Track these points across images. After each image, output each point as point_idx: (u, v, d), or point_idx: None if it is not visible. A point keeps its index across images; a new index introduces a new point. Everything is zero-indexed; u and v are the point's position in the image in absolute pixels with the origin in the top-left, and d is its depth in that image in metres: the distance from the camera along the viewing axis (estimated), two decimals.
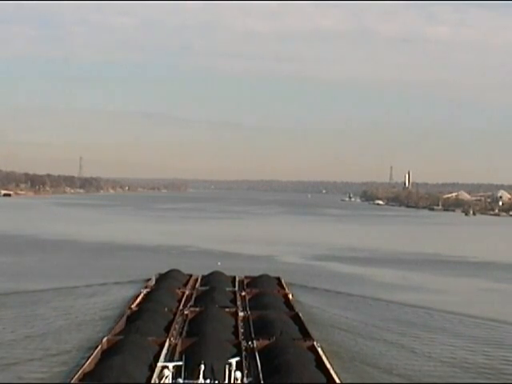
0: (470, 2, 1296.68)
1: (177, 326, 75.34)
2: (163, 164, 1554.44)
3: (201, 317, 77.65)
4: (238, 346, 65.44)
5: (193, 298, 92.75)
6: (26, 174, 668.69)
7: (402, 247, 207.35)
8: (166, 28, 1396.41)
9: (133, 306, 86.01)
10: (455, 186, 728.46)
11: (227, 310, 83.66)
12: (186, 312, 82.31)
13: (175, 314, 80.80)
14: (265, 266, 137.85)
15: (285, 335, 70.55)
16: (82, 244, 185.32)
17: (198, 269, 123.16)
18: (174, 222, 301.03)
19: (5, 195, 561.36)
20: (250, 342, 66.92)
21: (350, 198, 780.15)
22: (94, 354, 61.32)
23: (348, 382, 59.32)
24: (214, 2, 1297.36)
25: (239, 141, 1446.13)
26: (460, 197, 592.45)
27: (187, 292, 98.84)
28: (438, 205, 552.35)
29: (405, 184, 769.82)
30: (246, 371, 55.87)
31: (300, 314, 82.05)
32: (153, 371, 56.04)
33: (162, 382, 50.06)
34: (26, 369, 62.30)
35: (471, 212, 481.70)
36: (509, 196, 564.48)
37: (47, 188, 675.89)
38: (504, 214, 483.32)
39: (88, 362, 58.74)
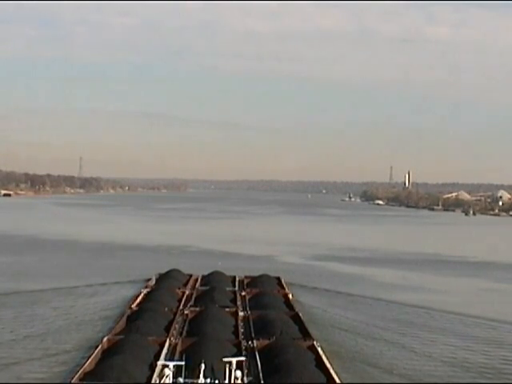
0: (469, 2, 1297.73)
1: (177, 326, 75.40)
2: (163, 164, 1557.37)
3: (201, 316, 77.69)
4: (238, 345, 65.51)
5: (193, 298, 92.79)
6: (26, 174, 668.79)
7: (402, 247, 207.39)
8: (166, 28, 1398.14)
9: (133, 306, 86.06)
10: (455, 186, 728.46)
11: (227, 309, 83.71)
12: (186, 312, 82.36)
13: (175, 314, 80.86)
14: (265, 265, 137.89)
15: (285, 335, 70.62)
16: (82, 244, 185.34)
17: (198, 269, 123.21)
18: (174, 222, 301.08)
19: (5, 195, 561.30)
20: (250, 342, 66.98)
21: (349, 197, 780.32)
22: (94, 354, 61.39)
23: (348, 381, 59.38)
24: (214, 2, 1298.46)
25: (239, 141, 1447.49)
26: (460, 197, 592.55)
27: (187, 292, 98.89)
28: (438, 205, 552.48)
29: (405, 184, 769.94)
30: (246, 371, 55.94)
31: (300, 314, 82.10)
32: (153, 371, 56.11)
33: (162, 381, 50.14)
34: (26, 369, 62.31)
35: (471, 212, 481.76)
36: (509, 196, 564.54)
37: (47, 188, 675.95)
38: (504, 214, 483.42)
39: (88, 362, 58.81)
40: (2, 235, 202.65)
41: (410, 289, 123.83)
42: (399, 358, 70.49)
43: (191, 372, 50.58)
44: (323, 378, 57.03)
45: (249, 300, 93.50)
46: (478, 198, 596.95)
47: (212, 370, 52.06)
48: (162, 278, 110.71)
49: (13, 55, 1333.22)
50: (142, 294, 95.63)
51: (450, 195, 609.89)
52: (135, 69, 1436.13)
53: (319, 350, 65.30)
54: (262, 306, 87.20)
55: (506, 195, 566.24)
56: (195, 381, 49.52)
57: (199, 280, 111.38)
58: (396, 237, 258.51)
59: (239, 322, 78.21)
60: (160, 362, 55.96)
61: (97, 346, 64.32)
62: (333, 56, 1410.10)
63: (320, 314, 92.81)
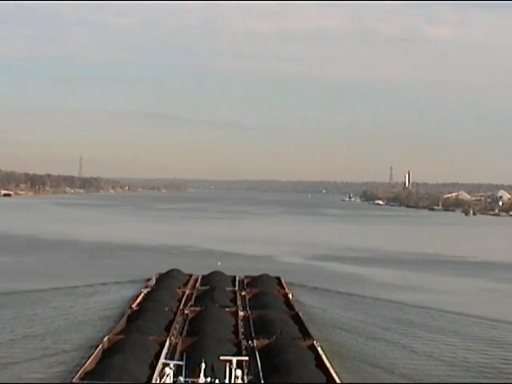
0: (469, 2, 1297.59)
1: (177, 326, 75.52)
2: (163, 164, 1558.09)
3: (201, 316, 77.79)
4: (238, 345, 65.62)
5: (193, 298, 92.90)
6: (26, 174, 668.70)
7: (402, 247, 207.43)
8: (166, 28, 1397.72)
9: (133, 306, 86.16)
10: (455, 186, 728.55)
11: (227, 309, 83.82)
12: (186, 311, 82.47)
13: (175, 314, 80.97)
14: (265, 265, 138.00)
15: (285, 334, 70.74)
16: (82, 244, 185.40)
17: (198, 268, 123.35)
18: (174, 222, 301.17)
19: (5, 195, 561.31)
20: (250, 342, 67.09)
21: (350, 197, 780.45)
22: (95, 353, 61.49)
23: (348, 381, 59.44)
24: (214, 2, 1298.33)
25: (239, 141, 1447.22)
26: (460, 197, 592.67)
27: (187, 292, 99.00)
28: (438, 205, 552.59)
29: (405, 184, 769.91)
30: (246, 370, 56.02)
31: (300, 314, 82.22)
32: (154, 370, 56.22)
33: (163, 380, 50.24)
34: (26, 368, 62.35)
35: (471, 212, 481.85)
36: (509, 196, 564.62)
37: (47, 188, 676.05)
38: (504, 214, 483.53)
39: (89, 361, 58.90)
40: (2, 235, 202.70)
41: (410, 289, 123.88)
42: (399, 358, 70.58)
43: (191, 371, 50.73)
44: (323, 378, 57.13)
45: (249, 300, 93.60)
46: (478, 197, 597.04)
47: (212, 369, 52.18)
48: (162, 278, 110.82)
49: (13, 55, 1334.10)
50: (143, 294, 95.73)
51: (450, 195, 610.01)
52: (135, 69, 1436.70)
53: (319, 349, 65.39)
54: (262, 305, 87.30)
55: (506, 195, 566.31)
56: (195, 380, 49.66)
57: (199, 280, 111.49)
58: (396, 237, 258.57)
59: (239, 321, 78.30)
60: (161, 362, 56.10)
61: (97, 346, 64.42)
62: (333, 56, 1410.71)
63: (320, 313, 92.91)
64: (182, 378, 49.78)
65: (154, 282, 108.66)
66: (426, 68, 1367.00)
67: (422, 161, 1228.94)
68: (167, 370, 50.08)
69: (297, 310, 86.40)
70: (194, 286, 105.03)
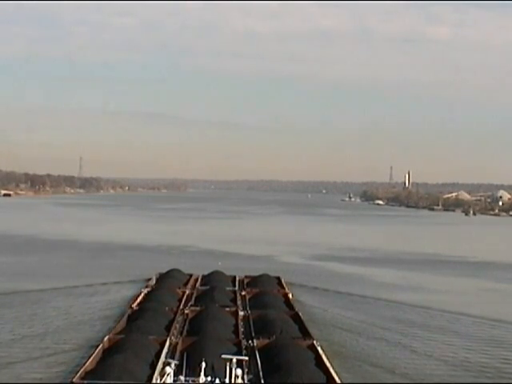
0: (469, 2, 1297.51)
1: (177, 325, 75.62)
2: (163, 164, 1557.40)
3: (201, 316, 77.88)
4: (238, 344, 65.71)
5: (193, 298, 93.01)
6: (26, 174, 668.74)
7: (402, 247, 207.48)
8: (166, 28, 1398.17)
9: (134, 306, 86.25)
10: (455, 186, 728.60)
11: (227, 309, 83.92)
12: (186, 311, 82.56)
13: (176, 314, 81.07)
14: (265, 265, 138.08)
15: (285, 334, 70.83)
16: (82, 244, 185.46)
17: (199, 268, 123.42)
18: (174, 222, 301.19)
19: (5, 195, 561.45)
20: (250, 341, 67.19)
21: (349, 198, 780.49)
22: (95, 353, 61.60)
23: (348, 381, 59.50)
24: (214, 2, 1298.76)
25: (239, 141, 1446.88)
26: (460, 197, 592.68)
27: (188, 291, 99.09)
28: (438, 205, 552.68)
29: (405, 184, 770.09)
30: (246, 370, 56.11)
31: (300, 314, 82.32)
32: (154, 370, 56.33)
33: (163, 379, 50.36)
34: (26, 368, 62.40)
35: (471, 212, 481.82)
36: (509, 196, 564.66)
37: (47, 188, 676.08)
38: (504, 214, 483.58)
39: (90, 361, 59.01)
40: (2, 235, 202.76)
41: (410, 289, 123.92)
42: (400, 358, 70.64)
43: (192, 370, 50.85)
44: (323, 377, 57.21)
45: (249, 300, 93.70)
46: (478, 197, 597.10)
47: (212, 368, 52.33)
48: (163, 278, 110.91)
49: (13, 55, 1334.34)
50: (143, 294, 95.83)
51: (450, 195, 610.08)
52: (135, 69, 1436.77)
53: (319, 349, 65.49)
54: (262, 305, 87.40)
55: (506, 195, 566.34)
56: (196, 379, 49.79)
57: (199, 280, 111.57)
58: (396, 237, 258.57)
59: (239, 321, 78.40)
60: (161, 361, 56.21)
61: (98, 346, 64.52)
62: (333, 56, 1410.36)
63: (320, 313, 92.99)
64: (182, 377, 49.92)
65: (155, 281, 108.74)
66: (426, 68, 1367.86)
67: (421, 161, 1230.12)
68: (168, 369, 50.20)
69: (297, 309, 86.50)
70: (194, 286, 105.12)
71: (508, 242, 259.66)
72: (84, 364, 58.50)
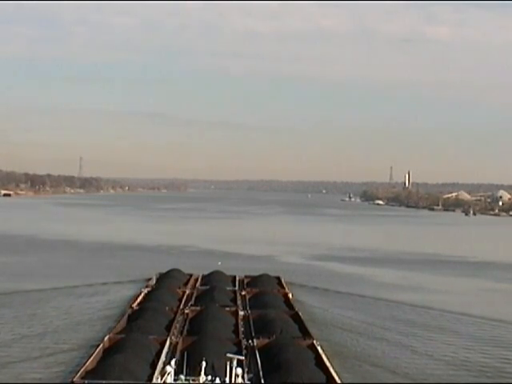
0: (469, 2, 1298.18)
1: (177, 325, 75.69)
2: (163, 164, 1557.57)
3: (201, 316, 77.95)
4: (238, 344, 65.77)
5: (193, 298, 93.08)
6: (26, 174, 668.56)
7: (402, 247, 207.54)
8: (166, 28, 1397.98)
9: (134, 305, 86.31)
10: (455, 186, 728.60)
11: (227, 309, 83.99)
12: (186, 311, 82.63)
13: (176, 313, 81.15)
14: (265, 265, 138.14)
15: (285, 334, 70.91)
16: (82, 244, 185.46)
17: (199, 268, 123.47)
18: (174, 222, 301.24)
19: (5, 195, 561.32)
20: (250, 341, 67.25)
21: (349, 198, 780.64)
22: (95, 353, 61.65)
23: (348, 381, 59.55)
24: (214, 2, 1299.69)
25: (239, 141, 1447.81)
26: (460, 197, 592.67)
27: (188, 291, 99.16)
28: (438, 205, 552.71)
29: (405, 184, 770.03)
30: (246, 369, 56.18)
31: (300, 313, 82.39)
32: (154, 369, 56.42)
33: (164, 378, 50.46)
34: (26, 368, 62.41)
35: (471, 212, 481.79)
36: (509, 196, 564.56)
37: (47, 188, 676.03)
38: (504, 214, 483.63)
39: (90, 361, 59.05)
40: (2, 235, 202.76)
41: (410, 289, 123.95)
42: (400, 358, 70.67)
43: (192, 370, 50.96)
44: (323, 377, 57.28)
45: (249, 299, 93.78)
46: (478, 197, 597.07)
47: (213, 367, 52.43)
48: (163, 278, 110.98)
49: (13, 55, 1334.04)
50: (143, 294, 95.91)
51: (450, 195, 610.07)
52: (135, 69, 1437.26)
53: (319, 349, 65.56)
54: (262, 305, 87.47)
55: (506, 195, 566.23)
56: (196, 378, 49.89)
57: (199, 279, 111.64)
58: (396, 237, 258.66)
59: (239, 321, 78.46)
60: (161, 361, 56.30)
61: (98, 345, 64.59)
62: (333, 56, 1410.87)
63: (320, 313, 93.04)
64: (182, 377, 50.02)
65: (155, 281, 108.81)
66: (426, 68, 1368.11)
67: (422, 161, 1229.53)
68: (168, 369, 50.31)
69: (297, 309, 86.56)
70: (194, 286, 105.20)
71: (508, 242, 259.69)
72: (84, 364, 58.56)
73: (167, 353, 62.19)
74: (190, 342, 65.15)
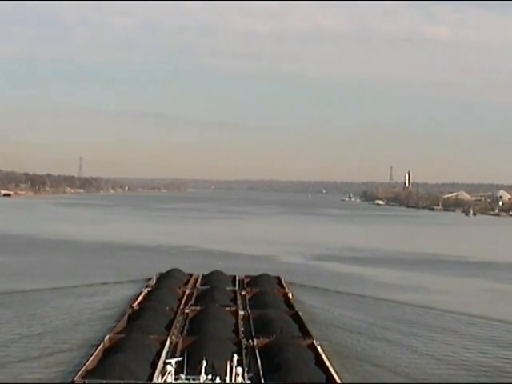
0: (469, 2, 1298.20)
1: (178, 325, 75.75)
2: (163, 164, 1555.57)
3: (201, 315, 78.00)
4: (238, 344, 65.81)
5: (193, 297, 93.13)
6: (26, 174, 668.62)
7: (402, 247, 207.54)
8: (166, 28, 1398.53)
9: (134, 305, 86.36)
10: (455, 186, 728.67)
11: (228, 308, 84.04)
12: (186, 311, 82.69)
13: (176, 313, 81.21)
14: (265, 265, 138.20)
15: (285, 334, 70.96)
16: (82, 244, 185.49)
17: (199, 268, 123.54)
18: (174, 222, 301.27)
19: (5, 195, 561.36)
20: (250, 341, 67.30)
21: (349, 198, 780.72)
22: (96, 352, 61.71)
23: (349, 381, 59.58)
24: (214, 2, 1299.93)
25: (239, 141, 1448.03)
26: (460, 197, 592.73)
27: (188, 291, 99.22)
28: (438, 205, 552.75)
29: (405, 184, 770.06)
30: (246, 369, 56.23)
31: (300, 313, 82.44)
32: (155, 369, 56.46)
33: (164, 377, 50.53)
34: (26, 368, 62.45)
35: (471, 212, 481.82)
36: (509, 196, 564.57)
37: (47, 188, 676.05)
38: (504, 214, 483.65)
39: (90, 360, 59.11)
40: (2, 235, 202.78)
41: (410, 289, 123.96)
42: (400, 357, 70.72)
43: (192, 369, 51.01)
44: (323, 377, 57.33)
45: (249, 299, 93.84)
46: (478, 197, 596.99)
47: (213, 367, 52.49)
48: (163, 278, 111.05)
49: (13, 55, 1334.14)
50: (143, 294, 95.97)
51: (450, 195, 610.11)
52: (135, 69, 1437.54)
53: (319, 348, 65.61)
54: (262, 305, 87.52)
55: (506, 195, 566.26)
56: (196, 377, 49.94)
57: (199, 279, 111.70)
58: (396, 237, 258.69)
59: (239, 320, 78.52)
60: (161, 360, 56.34)
61: (98, 345, 64.64)
62: (333, 56, 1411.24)
63: (320, 313, 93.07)
64: (183, 376, 50.08)
65: (155, 281, 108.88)
66: (426, 68, 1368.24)
67: (422, 161, 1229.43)
68: (169, 368, 50.37)
69: (297, 309, 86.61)
70: (194, 286, 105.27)
71: (508, 242, 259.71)
72: (85, 363, 58.61)
73: (167, 352, 62.24)
74: (190, 341, 65.21)
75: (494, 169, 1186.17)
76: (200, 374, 49.89)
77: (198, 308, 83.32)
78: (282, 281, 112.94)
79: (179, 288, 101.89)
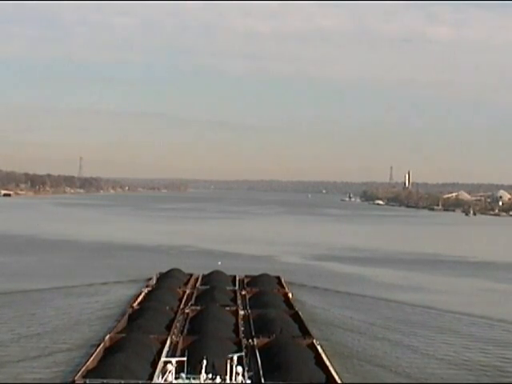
0: (469, 2, 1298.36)
1: (178, 325, 75.83)
2: (163, 164, 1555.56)
3: (202, 315, 78.09)
4: (238, 343, 65.89)
5: (193, 297, 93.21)
6: (26, 174, 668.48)
7: (402, 247, 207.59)
8: (166, 28, 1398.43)
9: (134, 305, 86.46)
10: (455, 186, 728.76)
11: (228, 308, 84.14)
12: (186, 311, 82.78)
13: (176, 313, 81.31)
14: (265, 265, 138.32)
15: (285, 333, 71.03)
16: (83, 244, 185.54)
17: (199, 268, 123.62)
18: (174, 222, 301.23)
19: (5, 195, 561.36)
20: (250, 340, 67.38)
21: (349, 198, 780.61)
22: (96, 352, 61.77)
23: (349, 381, 59.62)
24: (214, 2, 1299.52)
25: (239, 141, 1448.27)
26: (460, 197, 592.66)
27: (188, 291, 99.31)
28: (438, 205, 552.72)
29: (405, 184, 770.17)
30: (246, 368, 56.28)
31: (300, 313, 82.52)
32: (155, 368, 56.51)
33: (165, 376, 50.60)
34: (26, 368, 62.50)
35: (471, 212, 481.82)
36: (509, 196, 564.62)
37: (47, 188, 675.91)
38: (504, 214, 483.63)
39: (91, 360, 59.16)
40: (2, 235, 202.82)
41: (410, 289, 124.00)
42: (400, 357, 70.76)
43: (193, 368, 51.08)
44: (323, 376, 57.40)
45: (249, 299, 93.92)
46: (478, 198, 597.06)
47: (213, 366, 52.56)
48: (163, 278, 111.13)
49: (13, 55, 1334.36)
50: (143, 293, 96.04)
51: (450, 195, 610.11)
52: (135, 69, 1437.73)
53: (319, 348, 65.68)
54: (262, 304, 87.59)
55: (506, 195, 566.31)
56: (197, 376, 50.01)
57: (200, 279, 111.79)
58: (396, 237, 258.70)
59: (239, 320, 78.60)
60: (162, 360, 56.38)
61: (99, 344, 64.70)
62: (333, 56, 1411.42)
63: (320, 312, 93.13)
64: (183, 375, 50.15)
65: (155, 281, 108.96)
66: (426, 68, 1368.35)
67: (422, 161, 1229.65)
68: (169, 367, 50.45)
69: (297, 309, 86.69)
70: (194, 286, 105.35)
71: (508, 242, 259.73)
72: (85, 363, 58.67)
73: (168, 352, 62.30)
74: (190, 341, 65.30)
75: (494, 169, 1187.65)
76: (200, 373, 49.97)
77: (198, 308, 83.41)
78: (282, 281, 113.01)
79: (179, 288, 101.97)
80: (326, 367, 59.34)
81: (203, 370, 50.00)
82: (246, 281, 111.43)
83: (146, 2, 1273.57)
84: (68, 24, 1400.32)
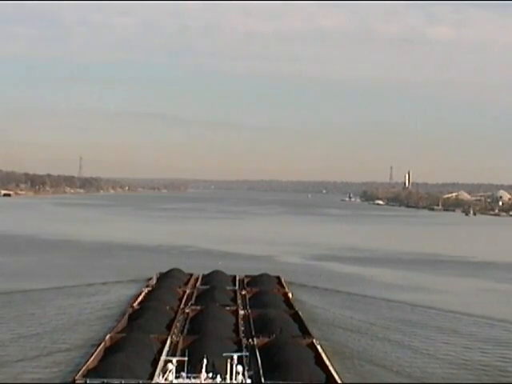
0: (469, 2, 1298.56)
1: (178, 324, 75.89)
2: (163, 164, 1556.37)
3: (202, 315, 78.13)
4: (238, 343, 65.92)
5: (194, 297, 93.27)
6: (26, 174, 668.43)
7: (402, 247, 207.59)
8: (166, 28, 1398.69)
9: (135, 305, 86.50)
10: (455, 186, 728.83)
11: (228, 308, 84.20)
12: (187, 310, 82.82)
13: (176, 313, 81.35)
14: (265, 265, 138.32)
15: (285, 333, 71.07)
16: (83, 244, 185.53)
17: (199, 268, 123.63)
18: (174, 222, 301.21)
19: (5, 195, 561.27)
20: (250, 340, 67.42)
21: (350, 198, 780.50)
22: (97, 351, 61.80)
23: (349, 381, 59.62)
24: (214, 3, 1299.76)
25: (239, 141, 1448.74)
26: (460, 197, 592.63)
27: (188, 291, 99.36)
28: (438, 205, 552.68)
29: (405, 184, 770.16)
30: (246, 367, 56.29)
31: (299, 313, 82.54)
32: (155, 367, 56.55)
33: (166, 376, 50.61)
34: (26, 368, 62.51)
35: (471, 212, 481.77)
36: (509, 196, 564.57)
37: (47, 188, 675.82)
38: (504, 214, 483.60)
39: (91, 359, 59.19)
40: (2, 235, 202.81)
41: (410, 289, 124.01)
42: (400, 357, 70.79)
43: (193, 368, 51.08)
44: (323, 376, 57.41)
45: (249, 299, 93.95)
46: (478, 198, 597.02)
47: (213, 365, 52.58)
48: (163, 277, 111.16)
49: (13, 55, 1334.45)
50: (144, 293, 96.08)
51: (450, 195, 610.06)
52: (135, 69, 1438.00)
53: (319, 347, 65.69)
54: (262, 304, 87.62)
55: (506, 195, 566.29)
56: (197, 375, 50.01)
57: (200, 279, 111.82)
58: (396, 237, 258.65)
59: (240, 320, 78.65)
60: (162, 359, 56.42)
61: (99, 344, 64.70)
62: (333, 56, 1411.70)
63: (320, 312, 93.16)
64: (184, 374, 50.18)
65: (155, 281, 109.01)
66: (426, 68, 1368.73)
67: (422, 161, 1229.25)
68: (170, 366, 50.49)
69: (296, 308, 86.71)
70: (194, 286, 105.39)
71: (508, 242, 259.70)
72: (86, 362, 58.71)
73: (168, 351, 62.30)
74: (190, 340, 65.33)
75: (494, 169, 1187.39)
76: (201, 372, 49.98)
77: (199, 307, 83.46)
78: (282, 280, 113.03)
79: (179, 288, 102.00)
80: (326, 367, 59.37)
81: (203, 370, 50.01)
82: (246, 281, 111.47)
83: (145, 2, 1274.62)
84: (68, 24, 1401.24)
